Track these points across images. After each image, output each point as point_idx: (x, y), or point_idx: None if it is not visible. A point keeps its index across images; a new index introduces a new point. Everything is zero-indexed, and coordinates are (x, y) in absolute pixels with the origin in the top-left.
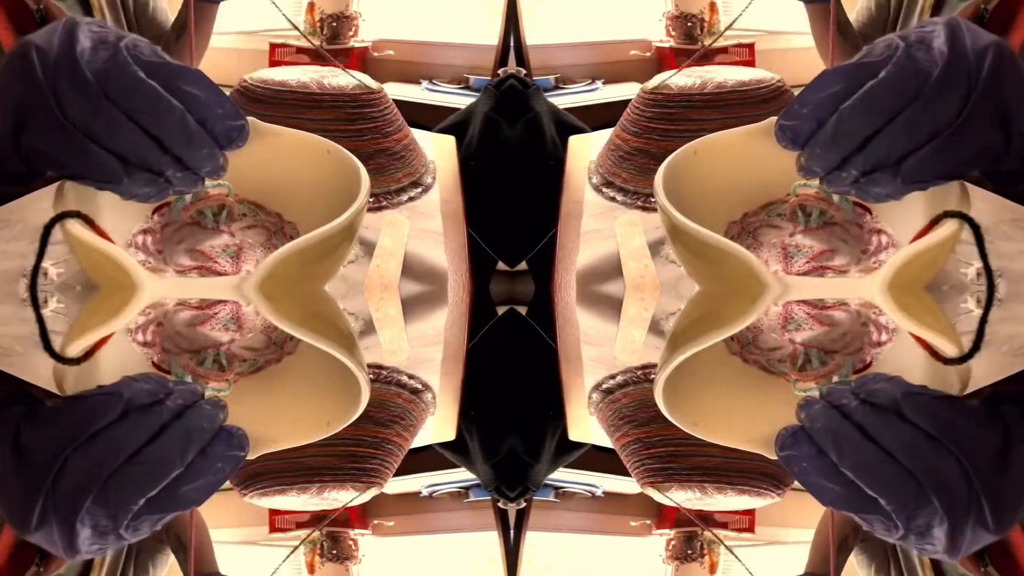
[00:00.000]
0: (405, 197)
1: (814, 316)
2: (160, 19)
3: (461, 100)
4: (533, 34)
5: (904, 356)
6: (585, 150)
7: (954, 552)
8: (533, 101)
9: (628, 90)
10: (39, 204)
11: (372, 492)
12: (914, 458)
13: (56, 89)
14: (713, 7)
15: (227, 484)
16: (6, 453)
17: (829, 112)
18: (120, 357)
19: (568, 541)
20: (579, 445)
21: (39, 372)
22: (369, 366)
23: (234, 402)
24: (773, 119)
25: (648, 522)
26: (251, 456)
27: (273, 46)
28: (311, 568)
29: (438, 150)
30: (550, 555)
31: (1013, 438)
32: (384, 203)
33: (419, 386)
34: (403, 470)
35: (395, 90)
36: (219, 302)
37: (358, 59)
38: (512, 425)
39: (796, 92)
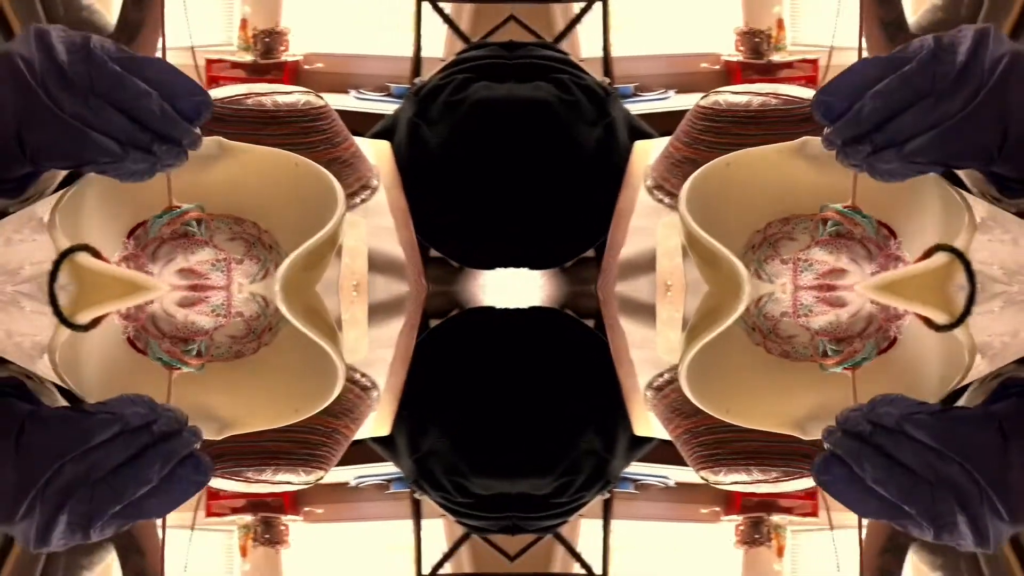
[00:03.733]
0: (358, 200)
1: (823, 299)
2: (97, 21)
3: (387, 106)
4: (619, 46)
5: (924, 331)
6: (646, 155)
7: (985, 544)
8: (611, 107)
9: (696, 100)
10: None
11: (316, 476)
12: (925, 467)
13: (47, 90)
14: (780, 23)
15: None
16: (8, 447)
17: (860, 95)
18: (102, 330)
19: (647, 529)
20: (648, 440)
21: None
22: None
23: (206, 385)
24: (807, 137)
25: (717, 509)
26: (219, 437)
27: (209, 62)
28: (243, 551)
29: (376, 154)
30: (631, 543)
31: (1009, 434)
32: None
33: (368, 384)
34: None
35: (327, 100)
36: (212, 287)
37: (291, 72)
38: (437, 425)
39: None
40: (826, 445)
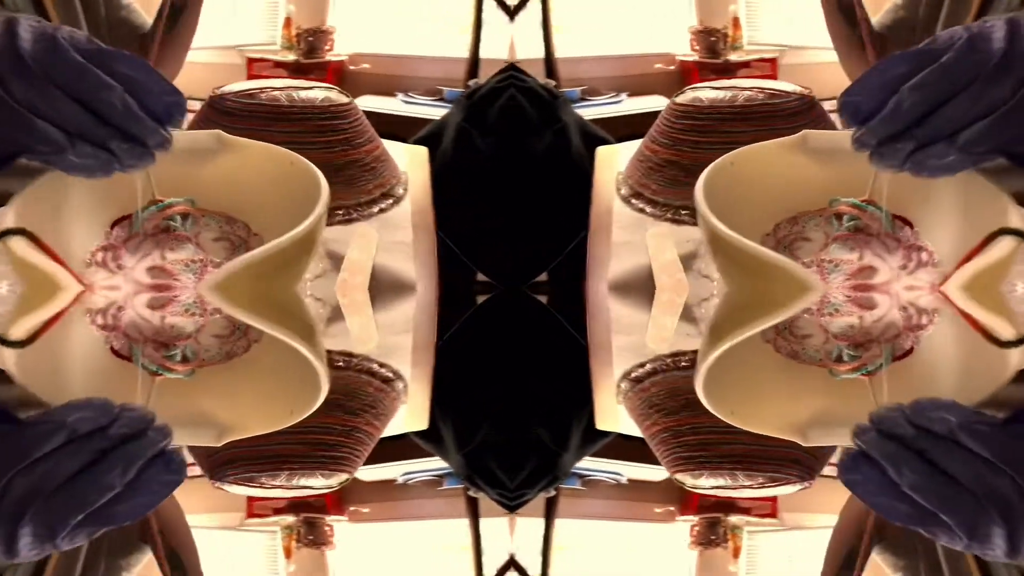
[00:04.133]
0: (376, 209)
1: (853, 299)
2: (135, 20)
3: (437, 112)
4: (563, 46)
5: (945, 341)
6: (612, 161)
7: (1017, 556)
8: (561, 112)
9: (652, 102)
10: None
11: (339, 479)
12: (972, 478)
13: (1, 77)
14: (736, 22)
15: (198, 472)
16: None
17: (891, 91)
18: (78, 340)
19: (595, 528)
20: (605, 434)
21: None
22: (339, 354)
23: (199, 389)
24: (806, 132)
25: (672, 509)
26: (218, 444)
27: (251, 60)
28: (288, 552)
29: (410, 161)
30: (577, 542)
31: None
32: (355, 215)
33: (390, 375)
34: (380, 458)
35: (372, 102)
36: (180, 286)
37: (335, 73)
38: (485, 417)
39: (825, 105)
40: (856, 443)
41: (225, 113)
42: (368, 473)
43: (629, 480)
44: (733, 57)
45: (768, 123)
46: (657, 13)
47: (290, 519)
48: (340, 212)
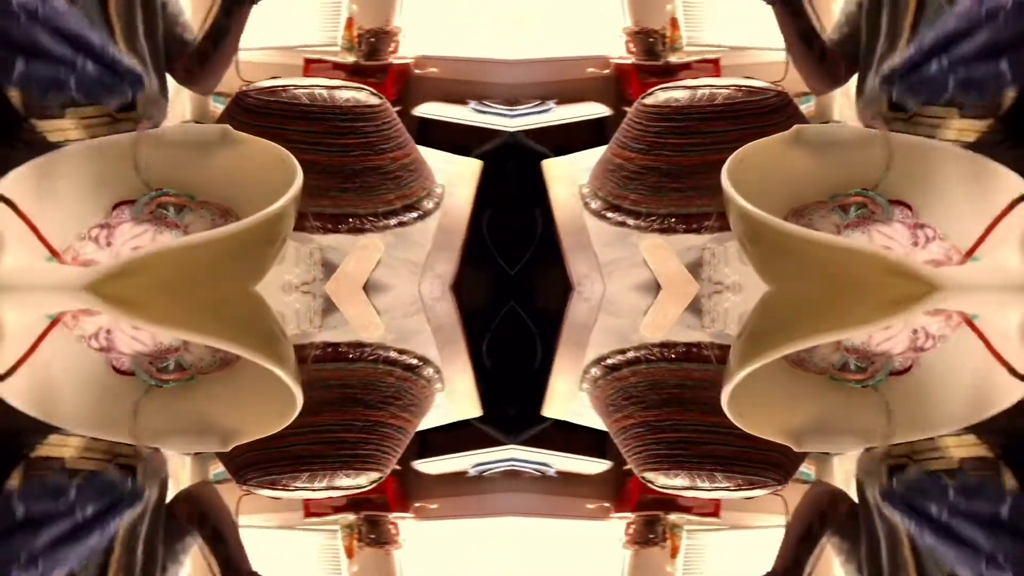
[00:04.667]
0: (394, 221)
1: None
2: (187, 36)
3: (513, 122)
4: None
5: (945, 368)
6: (567, 174)
7: None
8: None
9: (589, 110)
10: None
11: (369, 478)
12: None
13: None
14: (675, 23)
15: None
16: None
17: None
18: (78, 365)
19: (518, 524)
20: (540, 420)
21: None
22: (348, 345)
23: (200, 397)
24: (798, 126)
25: (606, 505)
26: (226, 448)
27: (308, 62)
28: (349, 552)
29: (458, 174)
30: (497, 539)
31: None
32: (367, 225)
33: (413, 361)
34: (441, 449)
35: (436, 110)
36: None
37: (398, 76)
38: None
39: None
40: (883, 509)
41: (246, 110)
42: (431, 466)
43: (558, 472)
44: (673, 59)
45: (751, 121)
46: (585, 14)
47: (350, 517)
48: (351, 220)
